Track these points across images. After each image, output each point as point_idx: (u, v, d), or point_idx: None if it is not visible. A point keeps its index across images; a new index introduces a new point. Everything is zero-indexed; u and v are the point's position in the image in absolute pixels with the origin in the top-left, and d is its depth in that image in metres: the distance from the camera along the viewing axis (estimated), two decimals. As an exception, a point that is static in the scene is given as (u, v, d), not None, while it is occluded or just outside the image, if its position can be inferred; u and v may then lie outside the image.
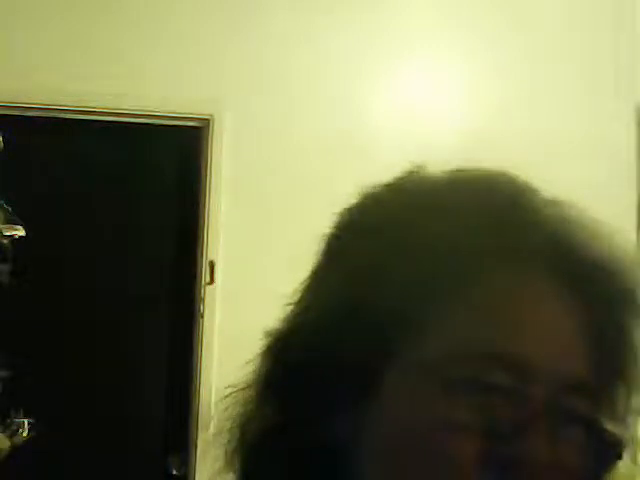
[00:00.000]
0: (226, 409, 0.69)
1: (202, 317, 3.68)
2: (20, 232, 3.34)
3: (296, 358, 0.65)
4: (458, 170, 0.68)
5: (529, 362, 0.60)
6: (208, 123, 3.78)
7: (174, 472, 3.61)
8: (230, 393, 0.69)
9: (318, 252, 0.69)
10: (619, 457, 0.66)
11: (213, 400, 3.55)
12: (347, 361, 0.63)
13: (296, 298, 0.68)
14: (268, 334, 0.68)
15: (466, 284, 0.62)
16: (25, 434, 3.28)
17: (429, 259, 0.62)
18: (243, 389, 0.69)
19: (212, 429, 0.70)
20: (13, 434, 3.24)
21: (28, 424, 3.29)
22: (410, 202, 0.66)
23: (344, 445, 0.64)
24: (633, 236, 3.77)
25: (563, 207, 0.67)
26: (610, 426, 0.64)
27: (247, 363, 0.69)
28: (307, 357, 0.64)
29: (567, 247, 0.64)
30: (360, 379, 0.63)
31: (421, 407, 0.61)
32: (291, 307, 0.68)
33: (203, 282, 3.69)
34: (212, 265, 3.69)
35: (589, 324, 0.63)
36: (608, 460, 0.65)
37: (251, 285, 3.69)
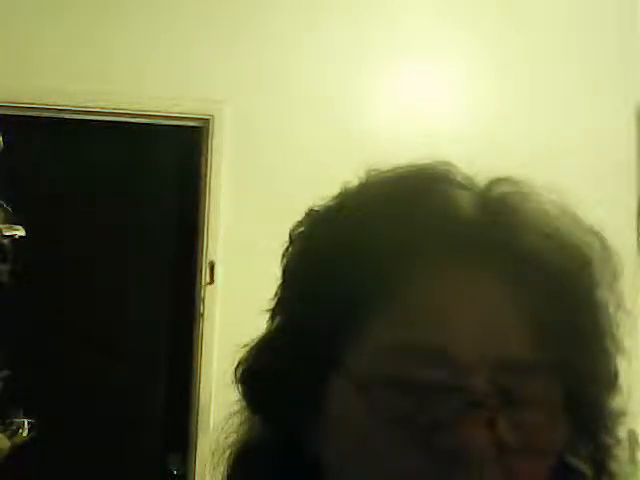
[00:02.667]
0: (225, 434, 0.71)
1: (202, 317, 3.68)
2: (20, 232, 3.33)
3: (255, 378, 0.68)
4: (391, 170, 0.68)
5: (461, 353, 0.61)
6: (208, 123, 3.78)
7: (174, 472, 3.61)
8: (228, 417, 0.71)
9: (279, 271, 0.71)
10: (597, 431, 0.65)
11: (213, 401, 3.55)
12: (292, 378, 0.65)
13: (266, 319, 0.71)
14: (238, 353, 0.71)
15: (398, 283, 0.62)
16: (25, 434, 3.28)
17: (356, 264, 0.63)
18: (238, 411, 0.71)
19: (212, 447, 0.72)
20: (13, 434, 3.24)
21: (28, 424, 3.29)
22: (347, 208, 0.68)
23: (315, 459, 0.66)
24: (633, 236, 3.78)
25: (506, 185, 0.66)
26: (580, 401, 0.64)
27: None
28: (263, 376, 0.67)
29: (504, 232, 0.63)
30: (312, 388, 0.65)
31: (358, 414, 0.62)
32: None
33: (203, 282, 3.69)
34: (212, 265, 3.69)
35: (529, 306, 0.63)
36: (582, 435, 0.65)
37: (251, 285, 3.68)
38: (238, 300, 3.68)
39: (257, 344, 0.69)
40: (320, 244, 0.67)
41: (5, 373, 3.30)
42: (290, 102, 3.85)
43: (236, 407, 0.71)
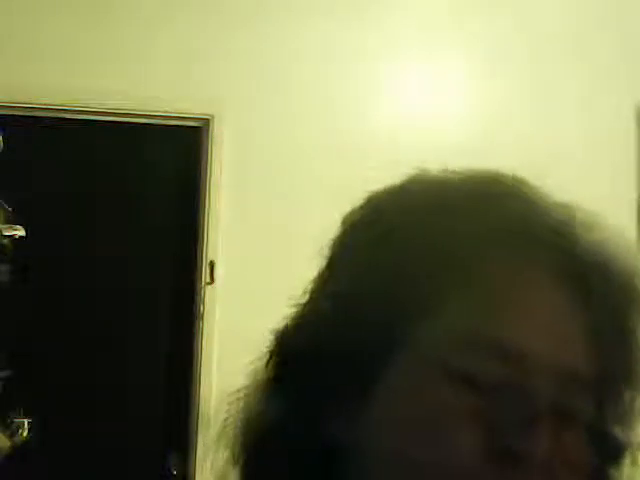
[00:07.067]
0: (228, 413, 0.70)
1: (202, 317, 3.68)
2: (20, 232, 3.34)
3: (300, 354, 0.66)
4: (457, 171, 0.69)
5: (529, 355, 0.61)
6: (208, 123, 3.78)
7: (174, 472, 3.61)
8: (232, 398, 0.70)
9: (324, 255, 0.70)
10: (622, 456, 0.66)
11: (213, 400, 3.55)
12: (349, 355, 0.63)
13: (302, 298, 0.69)
14: (273, 333, 0.69)
15: (469, 277, 0.62)
16: (25, 434, 3.28)
17: (432, 253, 0.63)
18: (244, 393, 0.70)
19: (214, 432, 0.70)
20: (13, 434, 3.24)
21: (28, 424, 3.29)
22: (412, 201, 0.67)
23: (345, 444, 0.64)
24: (633, 236, 3.78)
25: (564, 205, 0.67)
26: (612, 425, 0.64)
27: (248, 364, 0.70)
28: (310, 352, 0.65)
29: (568, 242, 0.64)
30: (361, 374, 0.64)
31: (424, 400, 0.61)
32: (297, 307, 0.69)
33: (203, 282, 3.69)
34: (212, 265, 3.69)
35: (588, 321, 0.64)
36: (611, 458, 0.65)
37: (251, 285, 3.69)
38: (238, 300, 3.68)
39: (300, 322, 0.68)
40: (395, 229, 0.66)
41: (5, 373, 3.31)
42: (290, 102, 3.85)
43: (242, 389, 0.69)
